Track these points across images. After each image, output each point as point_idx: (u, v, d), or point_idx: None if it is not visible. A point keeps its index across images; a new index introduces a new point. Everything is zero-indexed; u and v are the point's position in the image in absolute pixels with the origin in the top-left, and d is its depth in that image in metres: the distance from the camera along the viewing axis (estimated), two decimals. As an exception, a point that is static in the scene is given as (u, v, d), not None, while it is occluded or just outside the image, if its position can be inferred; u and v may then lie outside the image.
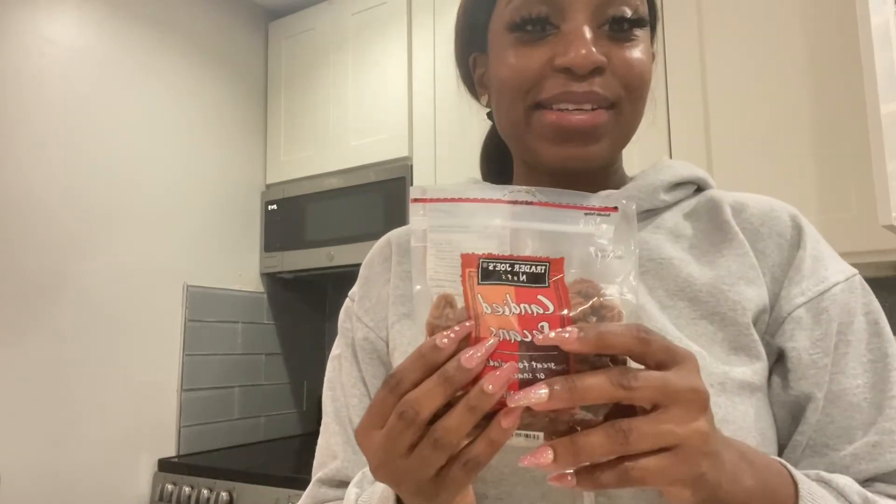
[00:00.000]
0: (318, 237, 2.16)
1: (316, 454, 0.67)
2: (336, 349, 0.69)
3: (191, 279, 2.09)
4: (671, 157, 1.54)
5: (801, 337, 0.55)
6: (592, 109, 0.53)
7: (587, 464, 0.37)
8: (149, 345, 1.95)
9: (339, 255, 2.09)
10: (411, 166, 2.00)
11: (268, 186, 2.36)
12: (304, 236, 2.20)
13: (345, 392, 0.65)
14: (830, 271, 0.56)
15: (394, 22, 2.09)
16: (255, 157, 2.36)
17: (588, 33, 0.53)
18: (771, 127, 1.46)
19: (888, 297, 1.63)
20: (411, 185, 1.98)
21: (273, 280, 2.37)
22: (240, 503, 1.73)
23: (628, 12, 0.54)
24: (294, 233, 2.23)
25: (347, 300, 0.70)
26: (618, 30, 0.54)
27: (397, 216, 1.99)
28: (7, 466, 1.61)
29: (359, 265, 0.71)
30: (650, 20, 0.58)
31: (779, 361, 0.56)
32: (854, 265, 0.58)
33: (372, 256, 0.70)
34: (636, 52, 0.54)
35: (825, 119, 1.40)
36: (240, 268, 2.27)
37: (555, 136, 0.54)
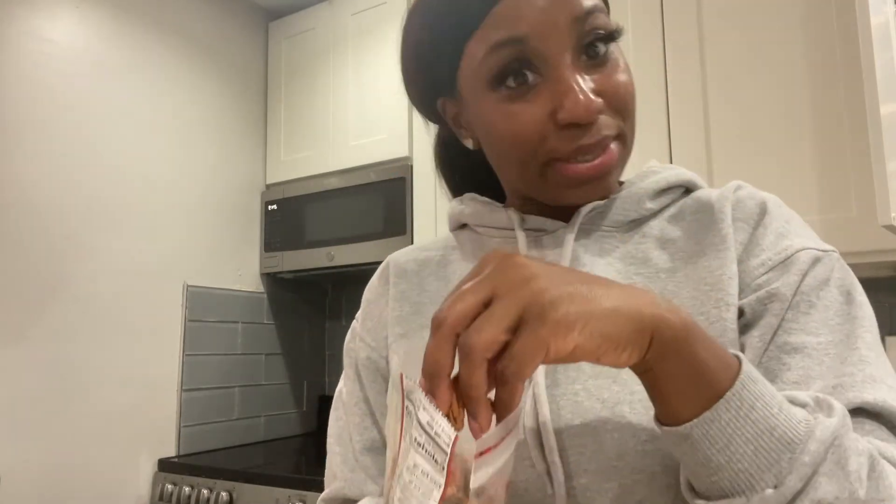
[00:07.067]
0: (318, 237, 2.16)
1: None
2: (343, 372, 0.72)
3: (191, 279, 2.08)
4: (671, 157, 1.54)
5: (756, 297, 0.53)
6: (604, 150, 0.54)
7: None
8: (149, 345, 1.95)
9: (339, 255, 2.09)
10: (411, 166, 2.00)
11: (268, 186, 2.36)
12: (304, 236, 2.20)
13: (347, 411, 0.68)
14: (796, 241, 0.55)
15: (394, 22, 2.09)
16: (255, 157, 2.36)
17: (578, 79, 0.52)
18: (771, 127, 1.46)
19: (888, 297, 1.63)
20: (411, 185, 1.99)
21: (273, 280, 2.37)
22: (240, 503, 1.73)
23: (602, 33, 0.54)
24: (294, 233, 2.23)
25: (354, 322, 0.73)
26: (594, 55, 0.54)
27: (397, 216, 1.99)
28: (7, 466, 1.61)
29: (359, 265, 0.73)
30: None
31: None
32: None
33: (373, 281, 0.73)
34: (619, 74, 0.54)
35: (825, 119, 1.40)
36: (240, 268, 2.26)
37: (576, 184, 0.55)
